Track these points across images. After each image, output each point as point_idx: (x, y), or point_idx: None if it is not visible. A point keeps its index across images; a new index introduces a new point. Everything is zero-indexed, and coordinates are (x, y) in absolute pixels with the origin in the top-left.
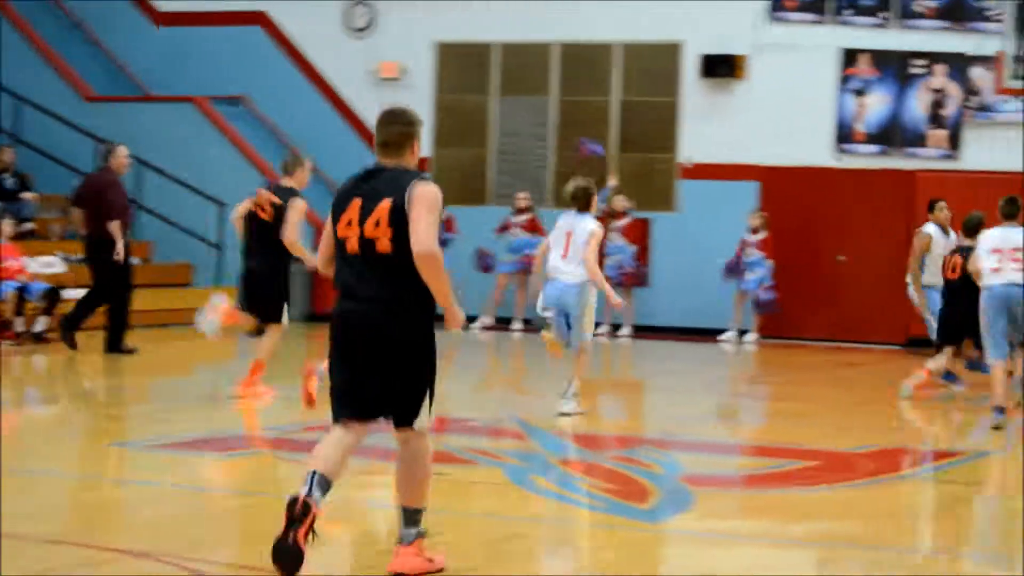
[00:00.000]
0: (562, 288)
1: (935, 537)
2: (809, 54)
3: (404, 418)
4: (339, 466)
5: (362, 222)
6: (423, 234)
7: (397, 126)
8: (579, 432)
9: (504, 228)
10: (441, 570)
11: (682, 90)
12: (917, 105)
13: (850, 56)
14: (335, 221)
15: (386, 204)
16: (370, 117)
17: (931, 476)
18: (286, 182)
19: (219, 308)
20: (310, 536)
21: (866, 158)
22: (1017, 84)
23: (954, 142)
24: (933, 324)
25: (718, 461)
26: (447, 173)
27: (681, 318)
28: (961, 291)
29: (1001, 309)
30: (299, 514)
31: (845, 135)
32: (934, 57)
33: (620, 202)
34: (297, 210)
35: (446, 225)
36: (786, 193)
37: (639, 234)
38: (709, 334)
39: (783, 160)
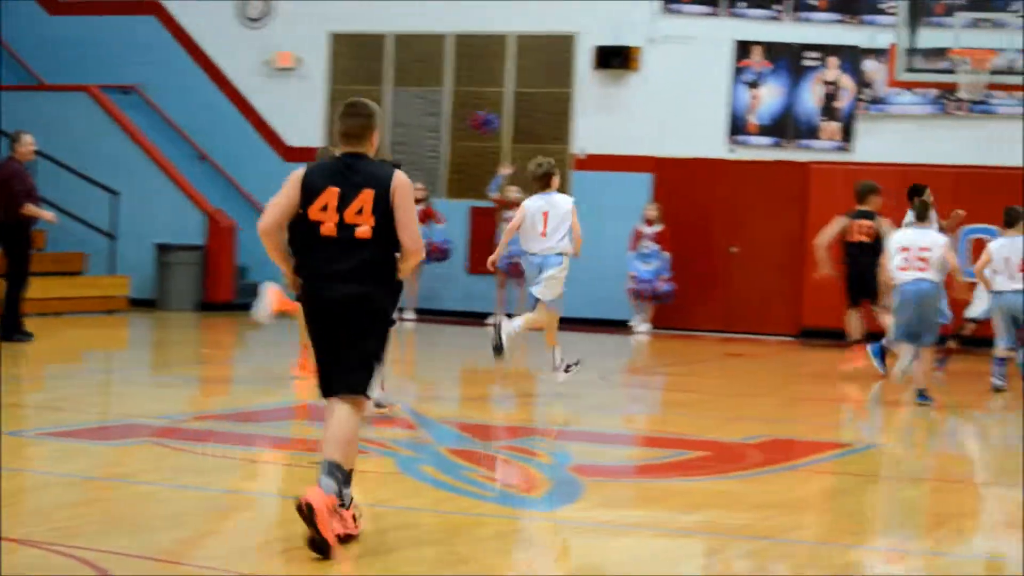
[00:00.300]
0: (542, 260)
1: (823, 527)
2: (703, 46)
3: (360, 388)
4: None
5: (341, 208)
6: (415, 232)
7: (359, 118)
8: (470, 422)
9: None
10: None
11: (576, 82)
12: (810, 97)
13: (744, 48)
14: (307, 204)
15: (369, 194)
16: (264, 107)
17: (820, 467)
18: None
19: (270, 295)
20: (340, 520)
21: (759, 150)
22: (909, 77)
23: (847, 134)
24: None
25: (609, 451)
26: None
27: (574, 309)
28: (861, 254)
29: (908, 307)
30: (307, 515)
31: (738, 127)
32: (827, 50)
33: (513, 192)
34: None
35: None
36: (679, 185)
37: None
38: (601, 325)
39: (676, 152)
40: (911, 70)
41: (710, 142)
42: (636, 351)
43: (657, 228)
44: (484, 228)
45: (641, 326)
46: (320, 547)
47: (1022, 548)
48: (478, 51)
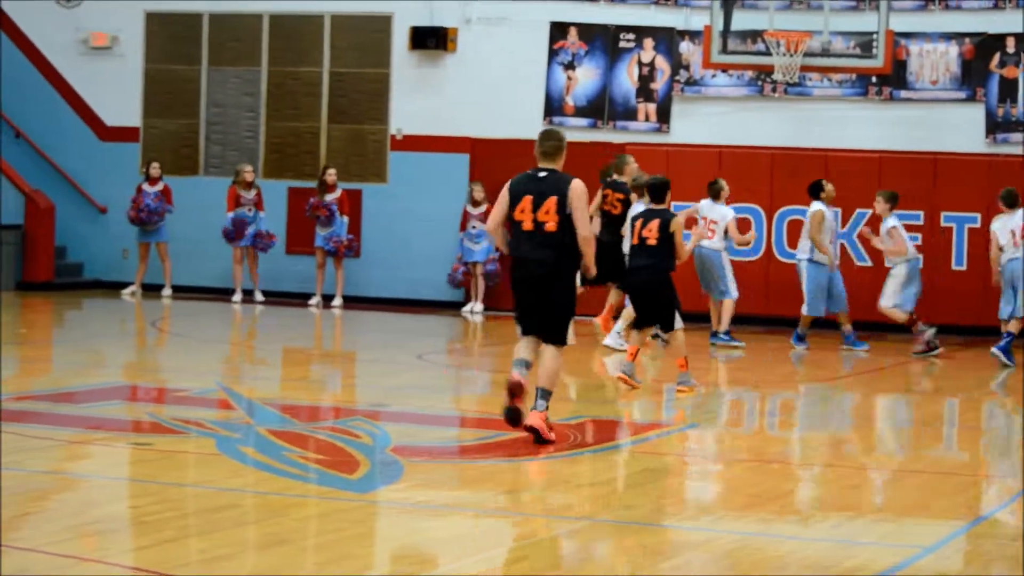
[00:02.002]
0: None
1: (642, 507)
2: (518, 27)
3: (553, 337)
4: (533, 353)
5: (535, 210)
6: (586, 224)
7: (553, 141)
8: (290, 403)
9: (235, 203)
10: (552, 442)
11: (393, 62)
12: (626, 79)
13: (559, 29)
14: (512, 207)
15: (553, 200)
16: (81, 86)
17: (640, 447)
18: None
19: None
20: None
21: (576, 131)
22: (724, 59)
23: (663, 116)
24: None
25: (429, 432)
26: (158, 143)
27: (392, 289)
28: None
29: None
30: (515, 388)
31: (554, 108)
32: (643, 31)
33: (331, 175)
34: None
35: (165, 196)
36: (496, 165)
37: (350, 205)
38: (420, 305)
39: (493, 132)
40: (726, 52)
41: (526, 123)
42: (460, 332)
43: (483, 208)
44: (301, 208)
45: (476, 306)
46: (539, 440)
47: (834, 526)
48: (294, 31)
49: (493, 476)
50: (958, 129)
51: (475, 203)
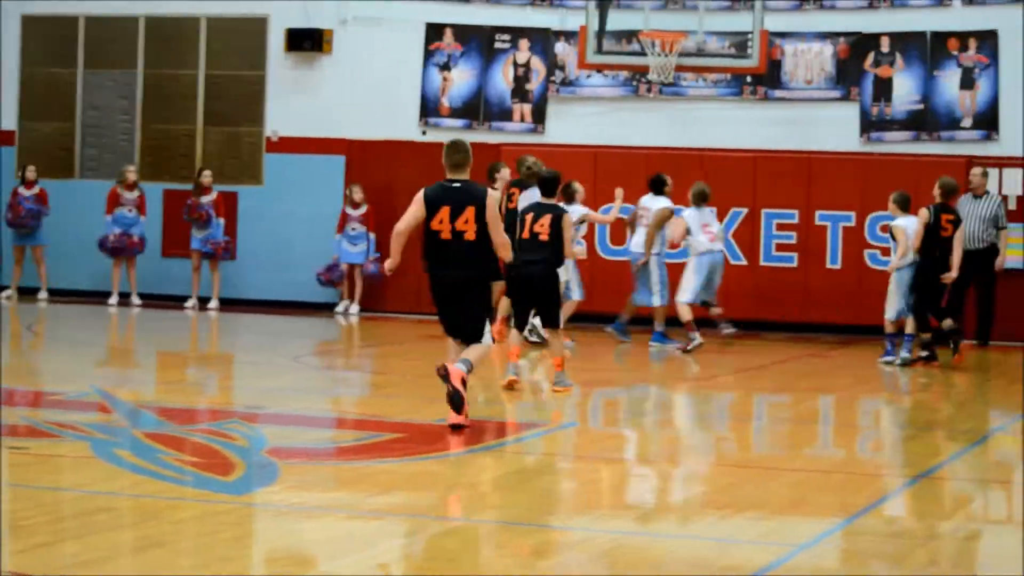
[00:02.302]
0: None
1: (518, 507)
2: (394, 28)
3: (475, 338)
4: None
5: (453, 220)
6: (502, 231)
7: (462, 153)
8: (166, 406)
9: (116, 205)
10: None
11: (269, 64)
12: (502, 80)
13: (435, 31)
14: (429, 217)
15: (471, 210)
16: None
17: (516, 447)
18: None
19: None
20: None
21: (451, 132)
22: (599, 59)
23: (539, 116)
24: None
25: (305, 434)
26: (34, 146)
27: (268, 291)
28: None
29: None
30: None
31: (430, 109)
32: (519, 32)
33: (207, 177)
34: None
35: (40, 199)
36: (372, 166)
37: (226, 207)
38: (296, 307)
39: (369, 134)
40: (601, 52)
41: (402, 124)
42: (335, 333)
43: (363, 210)
44: (178, 211)
45: (352, 307)
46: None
47: (713, 524)
48: (170, 33)
49: (369, 477)
50: (833, 128)
51: (354, 205)
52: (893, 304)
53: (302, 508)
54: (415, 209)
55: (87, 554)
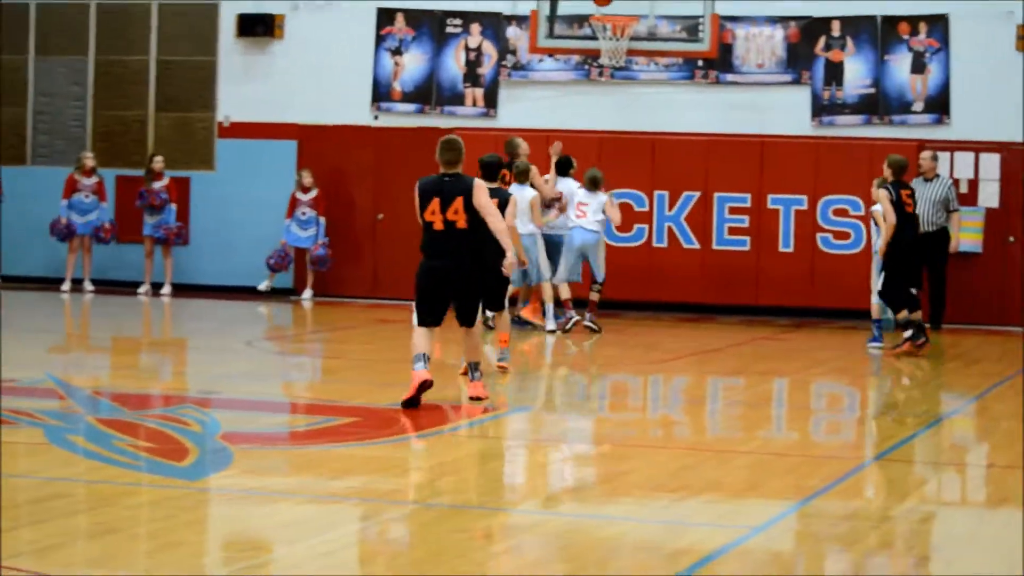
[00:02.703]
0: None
1: (472, 491)
2: (345, 13)
3: (468, 321)
4: (430, 343)
5: (444, 211)
6: (499, 217)
7: (454, 151)
8: (120, 391)
9: (73, 190)
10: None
11: (220, 49)
12: (454, 64)
13: (386, 15)
14: (423, 209)
15: (460, 200)
16: None
17: (472, 431)
18: None
19: None
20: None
21: (403, 116)
22: (551, 43)
23: (491, 100)
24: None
25: (259, 419)
26: None
27: (221, 276)
28: None
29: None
30: (425, 386)
31: (382, 94)
32: (470, 16)
33: (158, 162)
34: None
35: None
36: (324, 151)
37: (178, 193)
38: (249, 292)
39: (321, 119)
40: (553, 36)
41: (354, 109)
42: (288, 318)
43: (313, 194)
44: (130, 197)
45: (306, 292)
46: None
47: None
48: (121, 19)
49: (323, 462)
50: (784, 112)
51: (304, 189)
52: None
53: (257, 493)
54: (417, 201)
55: (43, 540)
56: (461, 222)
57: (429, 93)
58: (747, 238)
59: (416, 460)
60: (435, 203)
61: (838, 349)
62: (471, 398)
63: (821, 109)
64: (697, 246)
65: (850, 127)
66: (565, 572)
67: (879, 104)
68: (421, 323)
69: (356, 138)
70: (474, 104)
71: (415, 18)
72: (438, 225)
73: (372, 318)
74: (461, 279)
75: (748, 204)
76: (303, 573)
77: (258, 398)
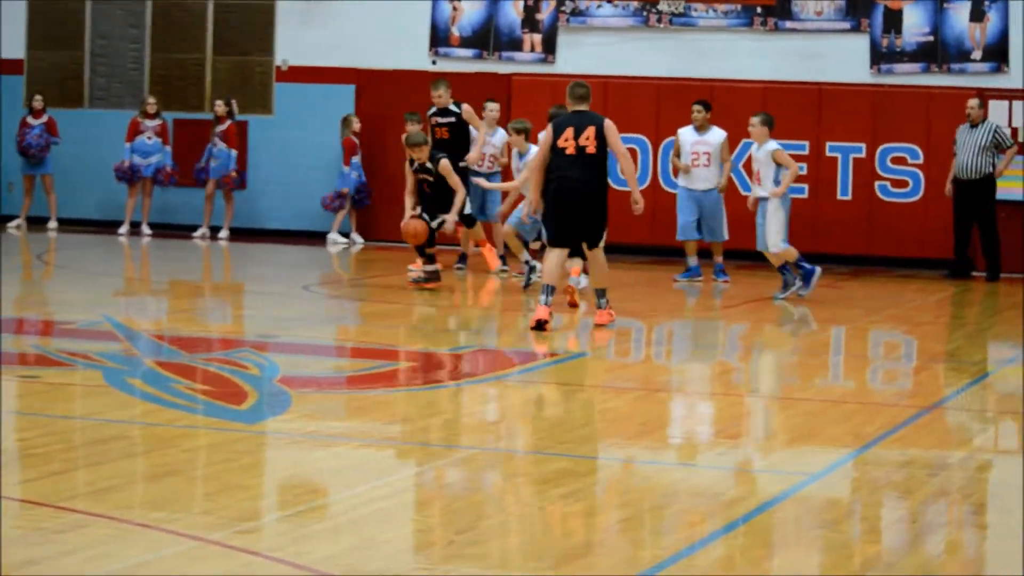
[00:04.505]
0: None
1: (530, 436)
2: None
3: (594, 240)
4: (561, 270)
5: (576, 137)
6: (627, 157)
7: (584, 88)
8: (178, 335)
9: (135, 133)
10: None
11: None
12: (512, 9)
13: None
14: (556, 137)
15: (592, 129)
16: None
17: (527, 377)
18: None
19: None
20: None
21: (462, 62)
22: None
23: (549, 46)
24: None
25: (317, 363)
26: (43, 75)
27: (278, 220)
28: None
29: None
30: (542, 327)
31: (441, 39)
32: None
33: (221, 106)
34: None
35: (49, 128)
36: (382, 96)
37: (237, 137)
38: (306, 236)
39: (379, 63)
40: None
41: (412, 54)
42: (343, 262)
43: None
44: (187, 140)
45: (356, 236)
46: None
47: (715, 450)
48: None
49: (380, 406)
50: (843, 60)
51: (356, 134)
52: (782, 233)
53: (314, 437)
54: (545, 139)
55: (101, 482)
56: (591, 148)
57: (487, 38)
58: (805, 186)
59: (473, 405)
60: (569, 131)
61: (895, 297)
62: (597, 325)
63: (880, 57)
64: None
65: (908, 75)
66: (621, 518)
67: (938, 52)
68: (554, 243)
69: (414, 83)
70: (532, 50)
71: None
72: (571, 150)
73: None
74: (589, 196)
75: (806, 152)
76: (360, 516)
77: (316, 342)
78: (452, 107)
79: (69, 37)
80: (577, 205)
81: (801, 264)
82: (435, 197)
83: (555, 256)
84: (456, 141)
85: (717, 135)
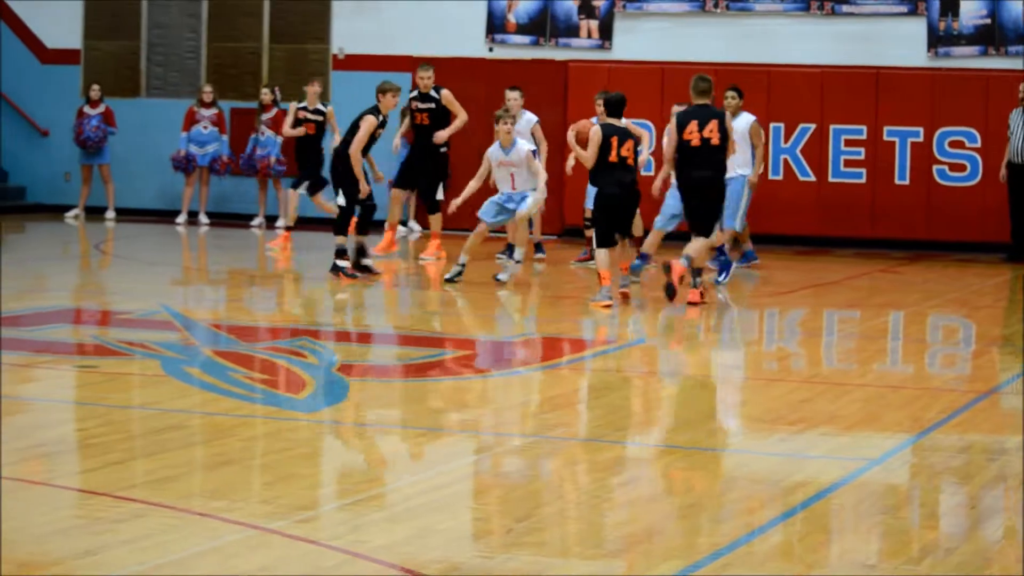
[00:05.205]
0: None
1: (589, 423)
2: None
3: (707, 230)
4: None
5: (700, 130)
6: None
7: (706, 82)
8: (235, 324)
9: (192, 122)
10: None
11: None
12: None
13: None
14: (681, 131)
15: (715, 122)
16: (21, 8)
17: (585, 364)
18: None
19: None
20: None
21: (518, 48)
22: None
23: (606, 32)
24: None
25: (374, 351)
26: (100, 65)
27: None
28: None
29: None
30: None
31: (497, 26)
32: None
33: (267, 94)
34: None
35: (107, 118)
36: (439, 83)
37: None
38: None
39: (435, 51)
40: None
41: (469, 41)
42: (402, 249)
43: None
44: (244, 129)
45: (412, 224)
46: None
47: (775, 438)
48: None
49: (439, 394)
50: (900, 43)
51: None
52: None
53: (372, 425)
54: (671, 131)
55: (160, 471)
56: (715, 139)
57: (544, 25)
58: (863, 170)
59: (530, 393)
60: (693, 124)
61: (954, 282)
62: (689, 303)
63: (937, 40)
64: (813, 178)
65: (966, 58)
66: (682, 504)
67: (995, 35)
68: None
69: (470, 70)
70: (589, 36)
71: None
72: (695, 142)
73: (481, 251)
74: (715, 186)
75: (864, 136)
76: (417, 505)
77: (373, 330)
78: (433, 92)
79: (126, 27)
80: (704, 194)
81: (723, 252)
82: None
83: (701, 242)
84: (436, 126)
85: (744, 120)
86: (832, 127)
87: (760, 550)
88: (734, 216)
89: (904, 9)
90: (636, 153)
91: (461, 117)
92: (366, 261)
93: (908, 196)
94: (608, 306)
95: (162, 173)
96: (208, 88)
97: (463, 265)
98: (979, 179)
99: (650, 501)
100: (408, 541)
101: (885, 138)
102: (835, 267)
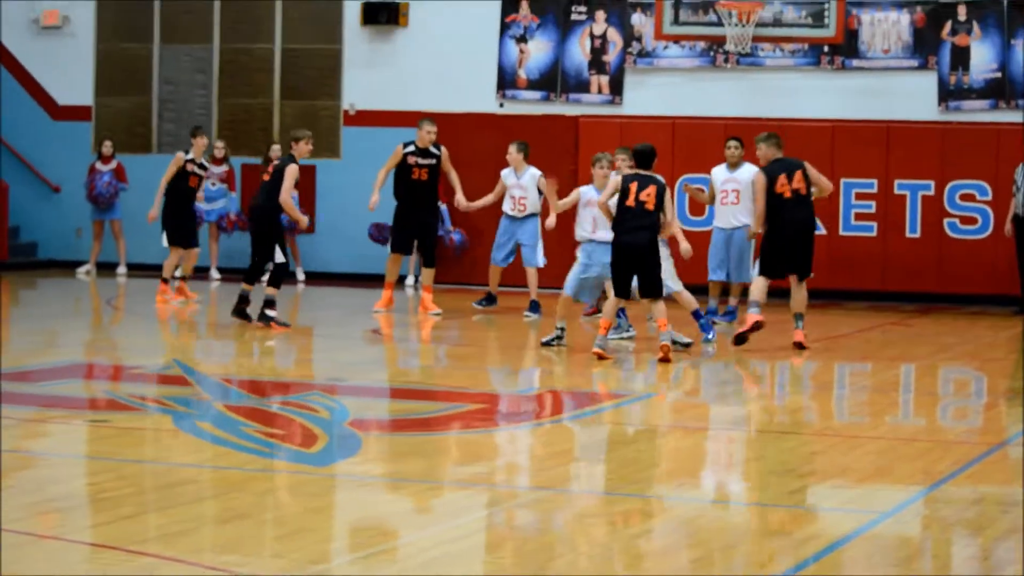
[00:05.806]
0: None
1: (601, 477)
2: (471, 1)
3: (806, 273)
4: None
5: (790, 181)
6: (825, 180)
7: (777, 137)
8: (247, 378)
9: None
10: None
11: (345, 37)
12: (579, 51)
13: (512, 2)
14: (772, 184)
15: (800, 172)
16: (33, 65)
17: (595, 418)
18: None
19: None
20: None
21: (529, 104)
22: (676, 30)
23: (616, 88)
24: None
25: (387, 405)
26: (110, 121)
27: (344, 264)
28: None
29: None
30: (759, 326)
31: (507, 81)
32: (595, 3)
33: (274, 151)
34: None
35: (118, 174)
36: (450, 139)
37: (304, 182)
38: (376, 279)
39: (446, 106)
40: (678, 23)
41: (480, 96)
42: (414, 304)
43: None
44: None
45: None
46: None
47: (796, 489)
48: (246, 8)
49: (451, 448)
50: (910, 97)
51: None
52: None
53: (385, 479)
54: (761, 186)
55: (171, 526)
56: (803, 189)
57: (554, 80)
58: (874, 223)
59: (543, 446)
60: (782, 177)
61: (965, 334)
62: (795, 343)
63: (948, 94)
64: (824, 232)
65: (977, 112)
66: (693, 557)
67: (1006, 89)
68: (764, 273)
69: (481, 125)
70: (599, 91)
71: (540, 5)
72: (787, 194)
73: (511, 307)
74: (809, 233)
75: (875, 189)
76: (430, 559)
77: (385, 385)
78: (433, 148)
79: (137, 83)
80: (800, 242)
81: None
82: None
83: (763, 282)
84: (434, 182)
85: (747, 171)
86: (843, 180)
87: None
88: (749, 269)
89: (914, 63)
90: (659, 199)
91: (456, 177)
92: (249, 310)
93: (919, 249)
94: (601, 355)
95: None
96: (220, 144)
97: (562, 330)
98: (990, 232)
99: (662, 554)
100: None
101: (896, 191)
102: (846, 320)
